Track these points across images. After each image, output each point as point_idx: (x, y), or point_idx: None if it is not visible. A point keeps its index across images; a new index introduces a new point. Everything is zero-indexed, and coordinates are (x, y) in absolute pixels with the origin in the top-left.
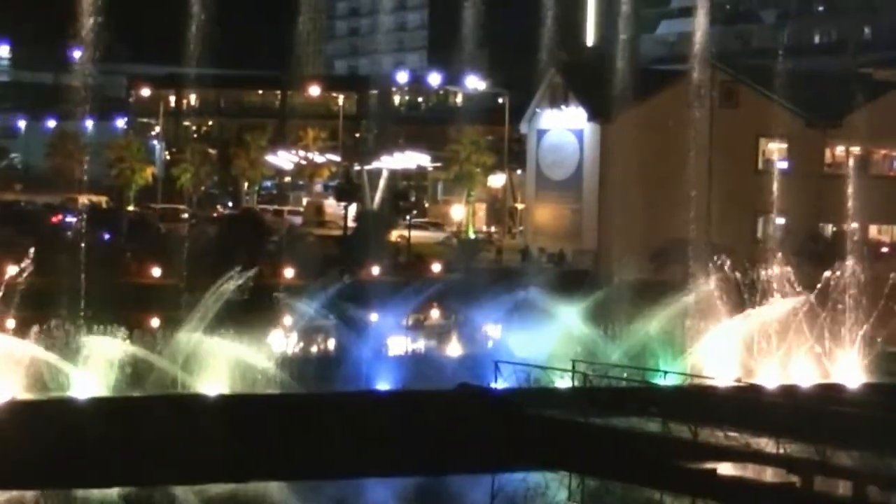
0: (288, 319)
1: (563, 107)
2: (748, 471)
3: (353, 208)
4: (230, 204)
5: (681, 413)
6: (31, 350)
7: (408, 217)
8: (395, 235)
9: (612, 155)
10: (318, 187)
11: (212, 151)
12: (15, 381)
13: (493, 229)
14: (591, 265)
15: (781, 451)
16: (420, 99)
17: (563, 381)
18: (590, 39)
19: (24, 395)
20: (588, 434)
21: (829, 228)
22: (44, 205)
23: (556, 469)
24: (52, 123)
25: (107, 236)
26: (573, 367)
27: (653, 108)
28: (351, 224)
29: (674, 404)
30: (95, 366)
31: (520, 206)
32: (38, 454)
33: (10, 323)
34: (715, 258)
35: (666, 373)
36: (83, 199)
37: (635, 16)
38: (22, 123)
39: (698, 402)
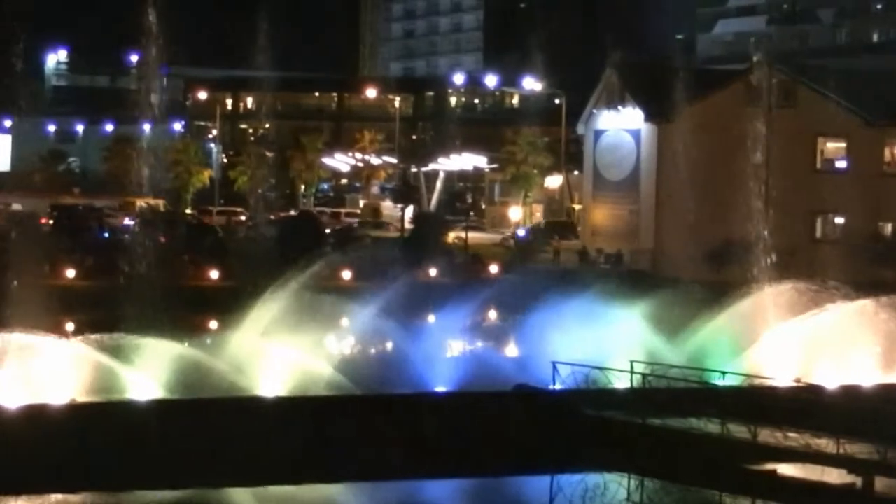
0: (345, 321)
1: (619, 107)
2: (808, 471)
3: (409, 210)
4: (288, 206)
5: (740, 413)
6: (90, 353)
7: (465, 218)
8: (451, 237)
9: (670, 155)
10: (375, 189)
11: (268, 154)
12: (74, 383)
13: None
14: (649, 265)
15: (842, 451)
16: (476, 100)
17: (622, 382)
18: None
19: (83, 397)
20: (647, 435)
21: (889, 228)
22: (101, 208)
23: (614, 470)
24: (109, 127)
25: (164, 239)
26: (631, 367)
27: (710, 108)
28: (408, 226)
29: (733, 405)
30: (154, 369)
31: (577, 206)
32: (97, 456)
33: (70, 325)
34: (773, 258)
35: (725, 373)
36: (141, 203)
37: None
38: (80, 127)
39: (758, 402)
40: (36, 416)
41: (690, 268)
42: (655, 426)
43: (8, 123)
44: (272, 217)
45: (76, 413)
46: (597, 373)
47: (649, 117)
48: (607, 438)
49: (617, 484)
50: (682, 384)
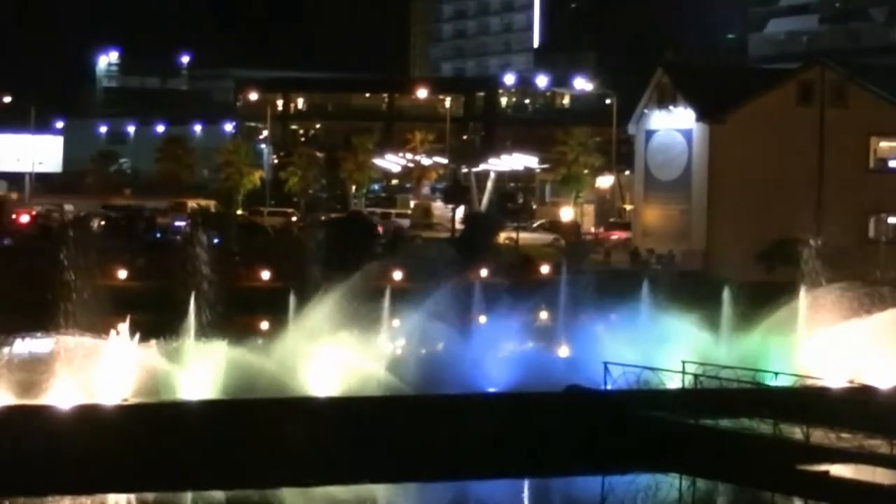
0: (396, 322)
1: (671, 107)
2: (861, 472)
3: (460, 210)
4: (338, 207)
5: (792, 414)
6: (142, 353)
7: (518, 219)
8: (502, 237)
9: (721, 155)
10: (426, 190)
11: (319, 155)
12: (126, 383)
13: (601, 230)
14: (700, 266)
15: (895, 452)
16: (527, 100)
17: (673, 383)
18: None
19: (135, 397)
20: (698, 435)
21: None
22: (152, 209)
23: (666, 471)
24: (160, 128)
25: (216, 240)
26: (683, 368)
27: (762, 108)
28: (459, 226)
29: (785, 405)
30: (205, 369)
31: (628, 207)
32: (149, 456)
33: (122, 326)
34: (825, 258)
35: (777, 374)
36: (192, 204)
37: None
38: (131, 129)
39: (810, 402)
40: (88, 416)
41: (742, 268)
42: (707, 426)
43: (60, 125)
44: (323, 218)
45: (128, 413)
46: (648, 373)
47: (701, 117)
48: (659, 439)
49: (668, 484)
50: (735, 385)
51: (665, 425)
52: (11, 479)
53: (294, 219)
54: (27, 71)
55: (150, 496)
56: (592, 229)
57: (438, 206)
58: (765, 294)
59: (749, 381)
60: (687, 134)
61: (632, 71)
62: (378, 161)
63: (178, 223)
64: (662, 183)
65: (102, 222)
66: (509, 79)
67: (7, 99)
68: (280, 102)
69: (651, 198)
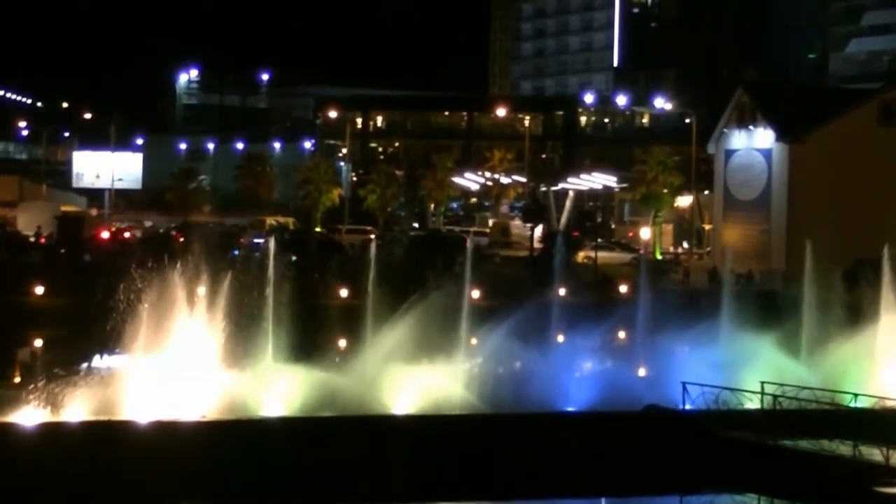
0: (475, 340)
1: (751, 127)
2: None
3: (539, 229)
4: (416, 225)
5: (872, 435)
6: (221, 370)
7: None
8: (581, 256)
9: (801, 174)
10: (505, 208)
11: (398, 172)
12: (204, 401)
13: (680, 250)
14: (780, 285)
15: None
16: (606, 119)
17: (752, 403)
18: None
19: (213, 415)
20: (777, 456)
21: None
22: (232, 226)
23: (744, 491)
24: (240, 146)
25: (294, 257)
26: (762, 388)
27: (843, 128)
28: (537, 245)
29: (865, 427)
30: (284, 386)
31: (707, 226)
32: (225, 473)
33: (201, 342)
34: None
35: (857, 395)
36: (271, 221)
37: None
38: (211, 145)
39: (890, 424)
40: (167, 432)
41: (822, 288)
42: (786, 447)
43: (140, 142)
44: (401, 235)
45: (206, 430)
46: (727, 393)
47: (781, 137)
48: (737, 459)
49: None
50: (814, 405)
51: (743, 446)
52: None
53: (372, 236)
54: (108, 88)
55: None
56: (671, 248)
57: (517, 225)
58: (845, 315)
59: (828, 403)
60: (767, 153)
61: (712, 90)
62: (457, 179)
63: (257, 240)
64: (742, 202)
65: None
66: (589, 98)
67: (88, 116)
68: (360, 120)
69: (730, 217)
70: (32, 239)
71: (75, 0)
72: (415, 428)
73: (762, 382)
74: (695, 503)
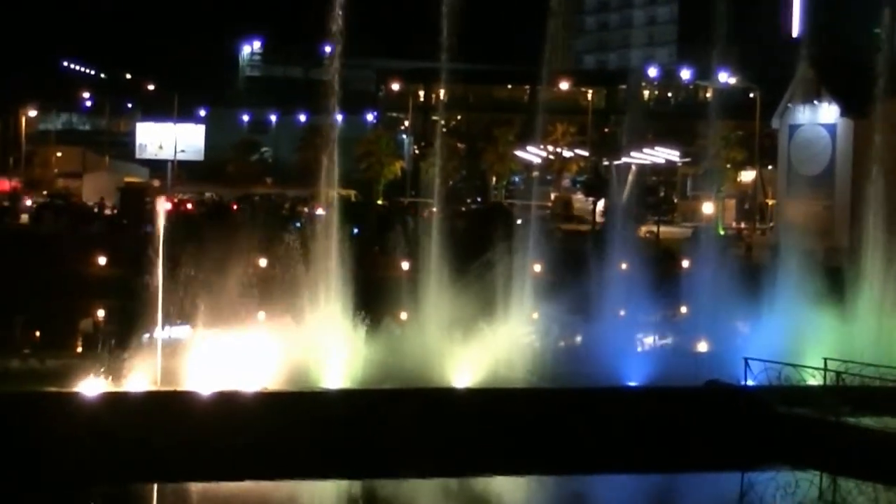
0: (535, 314)
1: (815, 102)
2: None
3: (601, 203)
4: (478, 199)
5: None
6: (280, 341)
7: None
8: (643, 230)
9: (866, 150)
10: (566, 182)
11: (460, 146)
12: (266, 372)
13: (742, 225)
14: (844, 262)
15: None
16: (669, 94)
17: (815, 380)
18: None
19: (274, 386)
20: (840, 433)
21: None
22: (293, 198)
23: (806, 468)
24: (302, 118)
25: (355, 230)
26: (825, 364)
27: None
28: (599, 219)
29: None
30: (344, 358)
31: (770, 202)
32: (286, 444)
33: (262, 315)
34: None
35: None
36: (332, 193)
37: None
38: (273, 118)
39: None
40: (228, 402)
41: (886, 265)
42: (849, 424)
43: (203, 114)
44: (462, 209)
45: (267, 401)
46: (790, 370)
47: (846, 112)
48: (800, 436)
49: (809, 482)
50: (878, 382)
51: (806, 422)
52: (152, 465)
53: (434, 209)
54: (172, 60)
55: (284, 484)
56: (734, 224)
57: (579, 199)
58: None
59: (893, 380)
60: (831, 129)
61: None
62: (519, 153)
63: (318, 212)
64: (805, 178)
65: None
66: (652, 71)
67: (151, 87)
68: (422, 93)
69: (794, 193)
70: (96, 210)
71: None
72: (473, 401)
73: (825, 359)
74: (756, 480)
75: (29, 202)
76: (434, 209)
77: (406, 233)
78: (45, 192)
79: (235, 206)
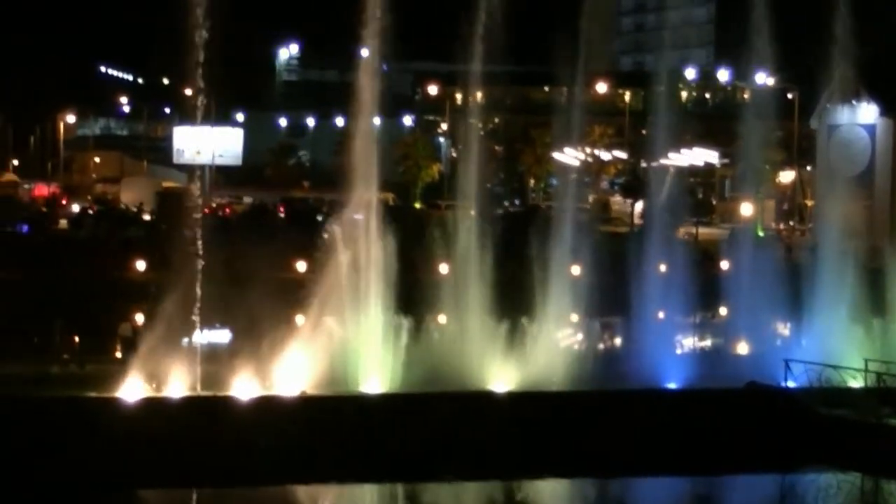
0: (574, 316)
1: (854, 102)
2: None
3: (639, 205)
4: (516, 201)
5: None
6: (319, 345)
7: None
8: (682, 232)
9: None
10: (605, 184)
11: (498, 148)
12: (305, 376)
13: (781, 226)
14: (884, 262)
15: None
16: (707, 95)
17: (856, 381)
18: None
19: (313, 390)
20: (882, 435)
21: None
22: (330, 201)
23: (848, 470)
24: (339, 121)
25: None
26: (865, 366)
27: None
28: (637, 221)
29: None
30: (383, 361)
31: (809, 202)
32: (325, 448)
33: (300, 318)
34: None
35: None
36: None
37: None
38: (310, 121)
39: None
40: (267, 407)
41: None
42: (890, 426)
43: (240, 118)
44: (500, 212)
45: (306, 405)
46: (830, 371)
47: (885, 112)
48: (841, 438)
49: (850, 484)
50: None
51: (846, 424)
52: (193, 469)
53: (472, 212)
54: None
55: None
56: (773, 224)
57: (617, 201)
58: None
59: None
60: (871, 129)
61: (814, 65)
62: (556, 155)
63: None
64: (845, 178)
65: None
66: (690, 73)
67: (188, 92)
68: (459, 96)
69: (833, 193)
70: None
71: None
72: (513, 404)
73: (866, 360)
74: (797, 482)
75: (76, 208)
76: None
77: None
78: (88, 198)
79: (275, 209)
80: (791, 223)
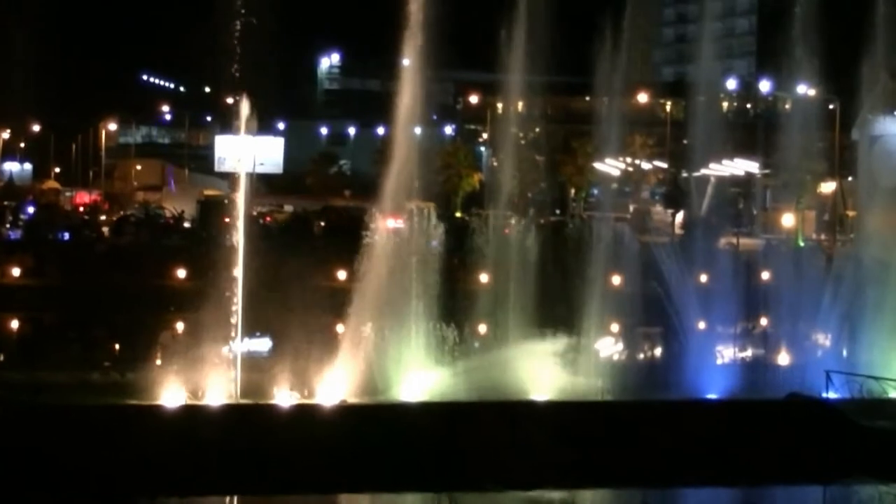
0: (614, 325)
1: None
2: None
3: (680, 215)
4: (557, 211)
5: None
6: (360, 353)
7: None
8: (723, 242)
9: None
10: (646, 194)
11: (539, 158)
12: (346, 384)
13: (822, 237)
14: None
15: None
16: (748, 105)
17: None
18: None
19: (354, 398)
20: None
21: None
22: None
23: (889, 481)
24: (380, 130)
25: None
26: None
27: None
28: (678, 231)
29: None
30: (424, 369)
31: (850, 213)
32: (365, 456)
33: (341, 326)
34: None
35: None
36: (410, 206)
37: None
38: (351, 130)
39: None
40: (308, 415)
41: None
42: None
43: (282, 126)
44: (541, 221)
45: (345, 413)
46: (871, 382)
47: None
48: (882, 449)
49: (892, 495)
50: None
51: (888, 436)
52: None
53: (512, 221)
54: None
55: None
56: (814, 235)
57: (658, 211)
58: None
59: None
60: None
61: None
62: (597, 165)
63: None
64: (886, 189)
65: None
66: (731, 83)
67: (230, 100)
68: (500, 105)
69: (874, 204)
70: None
71: None
72: (552, 413)
73: None
74: (838, 494)
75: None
76: (512, 221)
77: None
78: (136, 205)
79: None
80: (832, 234)
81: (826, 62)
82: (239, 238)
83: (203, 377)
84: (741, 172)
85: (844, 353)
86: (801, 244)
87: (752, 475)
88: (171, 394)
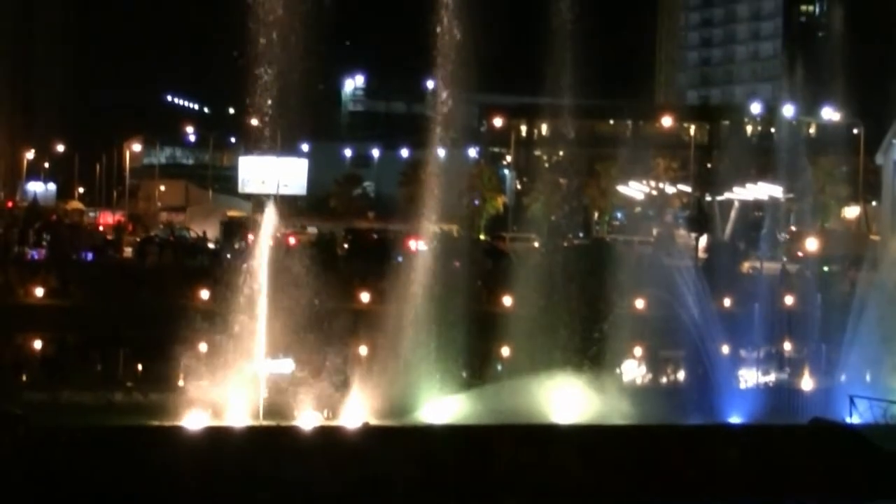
0: (637, 349)
1: None
2: None
3: (703, 239)
4: (581, 234)
5: None
6: (383, 376)
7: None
8: (746, 266)
9: None
10: (669, 217)
11: (563, 181)
12: (368, 406)
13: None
14: None
15: None
16: (772, 129)
17: None
18: None
19: (377, 421)
20: None
21: None
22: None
23: None
24: (405, 152)
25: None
26: None
27: None
28: (702, 255)
29: None
30: (448, 392)
31: (874, 237)
32: (389, 480)
33: (364, 349)
34: None
35: None
36: (434, 228)
37: None
38: (375, 152)
39: None
40: (330, 438)
41: None
42: None
43: (305, 148)
44: (565, 244)
45: (368, 435)
46: (895, 407)
47: None
48: None
49: None
50: None
51: None
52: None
53: (536, 244)
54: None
55: None
56: None
57: (681, 234)
58: None
59: None
60: None
61: (880, 100)
62: (621, 188)
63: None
64: None
65: (346, 244)
66: (755, 107)
67: (254, 122)
68: (524, 128)
69: None
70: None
71: (243, 7)
72: (576, 438)
73: None
74: None
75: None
76: (536, 244)
77: (509, 268)
78: (161, 226)
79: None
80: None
81: (850, 87)
82: (262, 259)
83: (226, 398)
84: (765, 196)
85: (868, 377)
86: (825, 268)
87: (775, 500)
88: (193, 415)
